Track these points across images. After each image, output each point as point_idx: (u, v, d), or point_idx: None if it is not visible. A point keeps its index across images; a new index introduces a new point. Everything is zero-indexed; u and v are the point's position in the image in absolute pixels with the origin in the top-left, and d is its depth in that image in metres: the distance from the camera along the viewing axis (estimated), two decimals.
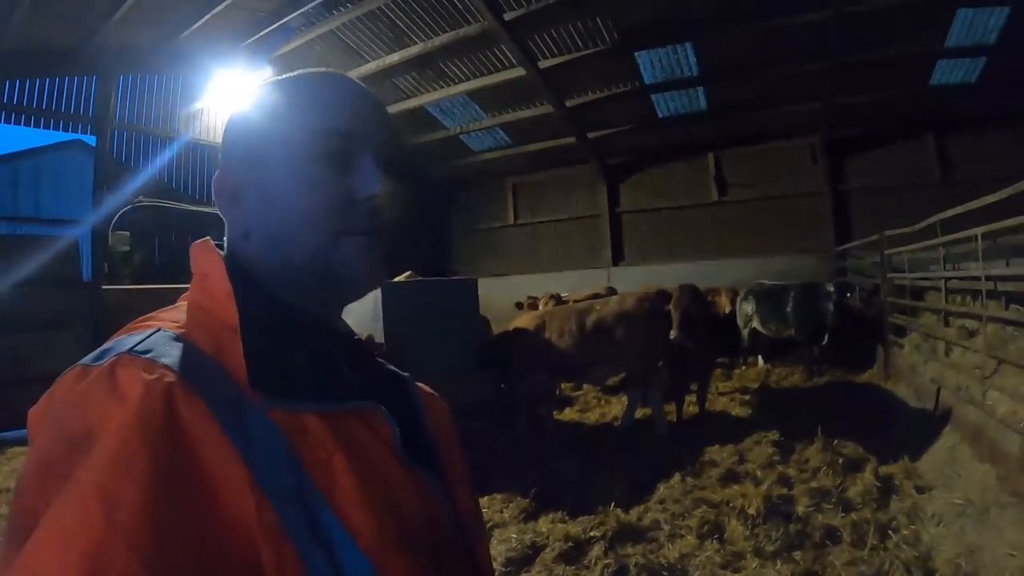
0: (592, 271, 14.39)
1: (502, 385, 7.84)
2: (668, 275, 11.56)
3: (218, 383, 0.62)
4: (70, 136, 12.25)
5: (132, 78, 11.75)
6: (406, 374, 0.92)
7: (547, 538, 4.48)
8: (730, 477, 5.36)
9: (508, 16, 10.12)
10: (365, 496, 0.64)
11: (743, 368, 10.39)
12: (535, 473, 5.77)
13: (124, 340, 0.65)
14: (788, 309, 9.47)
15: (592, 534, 4.47)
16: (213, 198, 0.80)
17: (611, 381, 8.58)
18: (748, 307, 10.16)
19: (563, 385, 9.18)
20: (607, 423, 7.70)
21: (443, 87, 12.88)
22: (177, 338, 0.65)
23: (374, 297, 7.25)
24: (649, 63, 11.43)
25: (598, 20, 10.43)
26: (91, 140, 11.62)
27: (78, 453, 0.53)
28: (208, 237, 0.78)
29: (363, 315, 7.39)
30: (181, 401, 0.57)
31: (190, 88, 12.47)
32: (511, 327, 8.00)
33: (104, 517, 0.49)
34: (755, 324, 10.07)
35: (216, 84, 12.11)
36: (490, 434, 7.14)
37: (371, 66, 12.08)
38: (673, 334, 6.64)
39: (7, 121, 10.26)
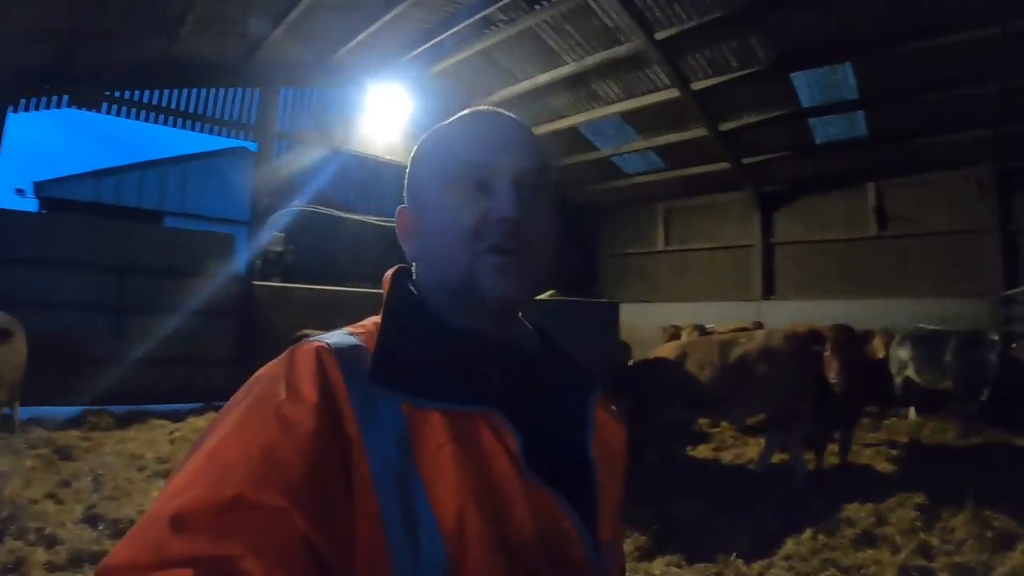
0: (740, 304, 14.69)
1: (637, 414, 7.84)
2: (820, 312, 11.78)
3: (361, 364, 0.83)
4: (237, 143, 14.52)
5: (293, 91, 14.01)
6: (592, 392, 1.02)
7: None
8: (866, 540, 5.22)
9: (660, 36, 11.04)
10: (463, 492, 0.77)
11: (893, 419, 10.14)
12: (657, 510, 5.83)
13: (315, 335, 0.91)
14: (947, 358, 9.29)
15: None
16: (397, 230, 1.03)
17: (750, 421, 8.63)
18: (903, 353, 10.01)
19: (700, 421, 9.11)
20: (741, 465, 7.80)
21: (596, 107, 13.85)
22: (350, 334, 0.90)
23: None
24: (806, 85, 11.78)
25: (752, 40, 10.98)
26: (254, 147, 13.93)
27: (261, 390, 0.80)
28: (398, 266, 1.04)
29: None
30: (328, 363, 0.82)
31: (347, 102, 14.57)
32: (652, 355, 8.22)
33: (278, 427, 0.73)
34: (910, 372, 9.91)
35: (372, 99, 14.13)
36: None
37: (523, 85, 13.44)
38: (832, 377, 6.68)
39: (177, 126, 12.70)
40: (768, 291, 14.95)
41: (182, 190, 18.34)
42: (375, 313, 0.97)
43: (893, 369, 10.18)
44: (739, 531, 5.34)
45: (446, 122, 1.00)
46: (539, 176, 0.97)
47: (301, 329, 6.77)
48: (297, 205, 13.92)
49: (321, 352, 0.83)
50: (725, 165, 14.26)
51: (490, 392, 0.88)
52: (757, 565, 4.77)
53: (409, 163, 1.03)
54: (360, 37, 12.00)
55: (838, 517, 5.61)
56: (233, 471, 0.68)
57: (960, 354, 9.19)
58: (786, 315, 12.50)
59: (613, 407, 1.10)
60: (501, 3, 10.94)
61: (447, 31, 11.85)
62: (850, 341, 6.94)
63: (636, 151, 15.18)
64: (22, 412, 8.22)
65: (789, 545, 5.09)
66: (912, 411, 10.17)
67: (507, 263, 0.91)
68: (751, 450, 8.18)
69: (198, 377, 10.73)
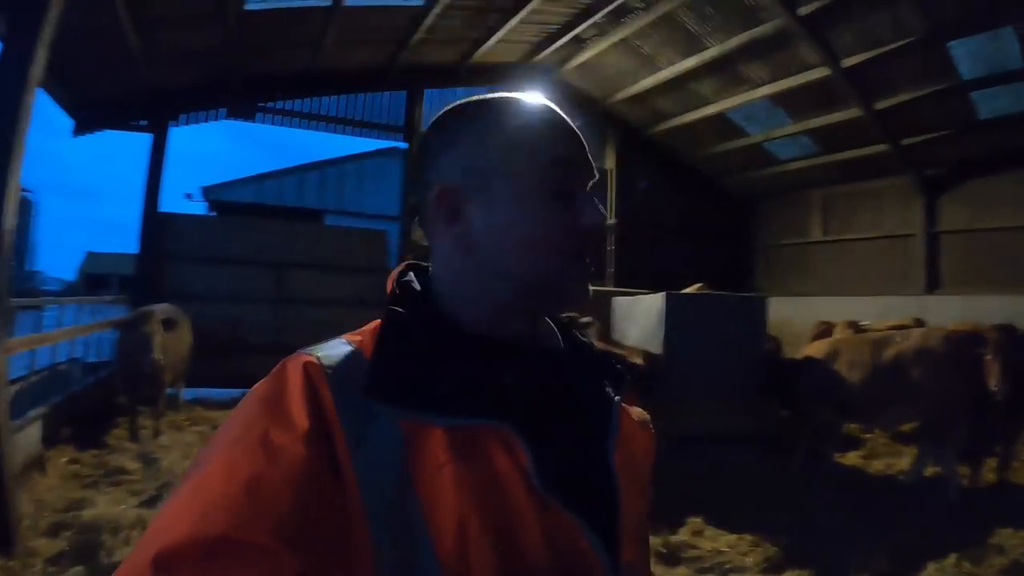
0: (902, 298, 13.77)
1: (783, 416, 7.89)
2: (989, 309, 10.97)
3: (356, 378, 0.78)
4: (389, 143, 15.52)
5: (437, 91, 14.56)
6: (617, 397, 0.96)
7: None
8: (1016, 571, 4.90)
9: (803, 11, 10.58)
10: (466, 518, 0.72)
11: None
12: (793, 519, 5.74)
13: (312, 347, 0.86)
14: None
15: None
16: (429, 210, 0.93)
17: (905, 428, 8.24)
18: None
19: (852, 426, 8.76)
20: (891, 475, 7.46)
21: (743, 91, 13.43)
22: (345, 343, 0.85)
23: (659, 308, 7.83)
24: (965, 55, 10.81)
25: (903, 8, 10.23)
26: (405, 146, 14.94)
27: (248, 413, 0.76)
28: (408, 260, 0.99)
29: (647, 326, 8.01)
30: (317, 379, 0.77)
31: None
32: (801, 354, 7.95)
33: (264, 457, 0.69)
34: None
35: (513, 92, 14.44)
36: (758, 467, 7.15)
37: (666, 73, 13.27)
38: (992, 384, 6.27)
39: (327, 131, 13.83)
40: (932, 285, 13.92)
41: (339, 190, 19.78)
42: None
43: None
44: (878, 549, 5.12)
45: (508, 99, 0.95)
46: (597, 178, 0.97)
47: None
48: None
49: (310, 368, 0.78)
50: (883, 147, 13.44)
51: (502, 403, 0.82)
52: None
53: (458, 134, 0.93)
54: (497, 36, 12.34)
55: (988, 543, 5.25)
56: (217, 508, 0.64)
57: None
58: (952, 312, 11.69)
59: (640, 410, 1.05)
60: None
61: (584, 22, 11.91)
62: (1014, 344, 6.49)
63: (788, 136, 14.57)
64: (186, 393, 9.62)
65: (930, 569, 4.82)
66: None
67: (588, 268, 0.91)
68: (904, 460, 7.79)
69: None
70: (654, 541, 5.02)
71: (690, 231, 17.17)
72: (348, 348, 0.84)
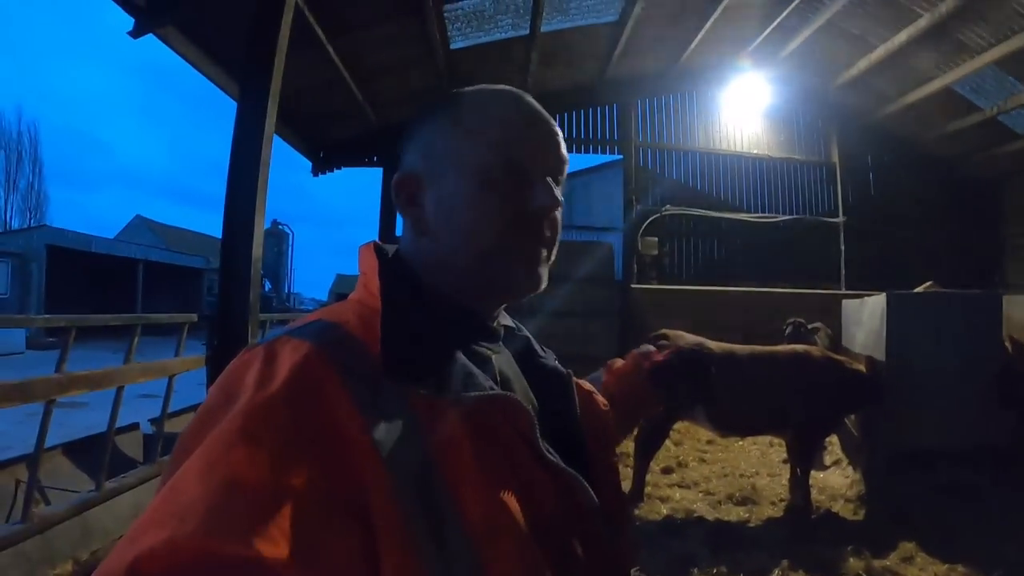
0: None
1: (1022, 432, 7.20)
2: None
3: (359, 361, 0.79)
4: (612, 157, 16.05)
5: (648, 101, 15.16)
6: (568, 371, 1.10)
7: None
8: None
9: None
10: (486, 483, 0.77)
11: None
12: (1016, 553, 5.21)
13: (288, 327, 0.87)
14: None
15: None
16: (392, 194, 1.00)
17: None
18: None
19: None
20: None
21: (967, 60, 12.47)
22: (332, 324, 0.85)
23: (881, 310, 7.42)
24: None
25: None
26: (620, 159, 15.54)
27: (228, 404, 0.72)
28: (374, 240, 1.02)
29: (871, 329, 7.67)
30: (319, 370, 0.75)
31: (704, 101, 15.41)
32: None
33: (245, 452, 0.65)
34: None
35: (728, 94, 14.84)
36: (989, 489, 6.52)
37: (880, 51, 12.71)
38: None
39: None
40: None
41: (568, 205, 20.55)
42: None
43: None
44: None
45: (465, 92, 1.01)
46: (565, 172, 1.02)
47: (672, 328, 7.31)
48: (668, 209, 14.85)
49: (304, 351, 0.78)
50: None
51: (492, 376, 0.90)
52: None
53: (416, 128, 1.02)
54: (697, 38, 12.58)
55: None
56: (193, 512, 0.61)
57: None
58: None
59: (586, 381, 1.21)
60: None
61: (783, 11, 11.78)
62: None
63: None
64: None
65: None
66: None
67: (540, 255, 0.96)
68: None
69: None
70: (856, 564, 5.04)
71: (927, 223, 16.17)
72: (336, 329, 0.84)
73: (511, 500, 0.79)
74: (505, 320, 1.10)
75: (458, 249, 0.93)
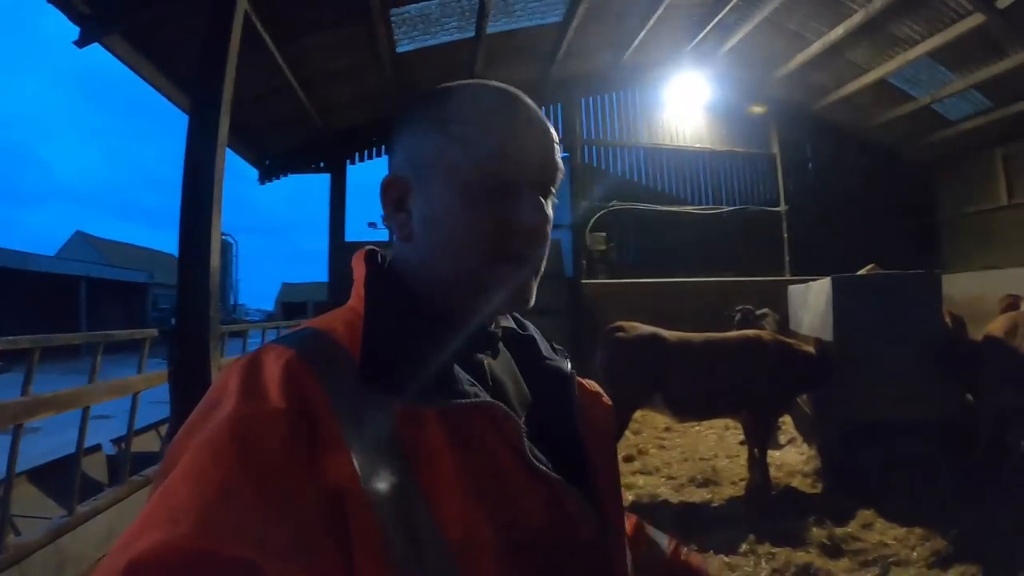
0: None
1: (965, 401, 7.62)
2: None
3: (340, 367, 0.80)
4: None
5: (592, 99, 15.44)
6: (572, 371, 1.06)
7: None
8: None
9: None
10: (467, 494, 0.76)
11: None
12: (968, 513, 5.59)
13: (276, 338, 0.88)
14: None
15: None
16: (380, 197, 0.97)
17: None
18: None
19: None
20: None
21: (900, 52, 13.05)
22: (320, 332, 0.85)
23: (826, 293, 7.71)
24: None
25: None
26: (566, 156, 15.69)
27: (215, 411, 0.73)
28: (369, 247, 1.01)
29: (818, 313, 8.01)
30: (303, 379, 0.76)
31: (647, 97, 15.75)
32: (983, 332, 7.52)
33: (235, 459, 0.67)
34: None
35: (670, 89, 15.19)
36: (937, 457, 6.87)
37: (817, 46, 13.21)
38: None
39: None
40: None
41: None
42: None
43: None
44: None
45: (459, 87, 0.97)
46: (558, 182, 0.98)
47: (626, 321, 7.48)
48: (615, 204, 15.10)
49: (286, 357, 0.79)
50: None
51: (482, 382, 0.89)
52: None
53: (404, 128, 0.98)
54: (639, 37, 12.93)
55: None
56: (187, 516, 0.63)
57: None
58: None
59: (592, 381, 1.15)
60: None
61: (723, 9, 12.14)
62: None
63: (956, 93, 13.98)
64: None
65: None
66: None
67: (523, 271, 0.92)
68: None
69: None
70: (819, 534, 5.32)
71: (867, 208, 16.86)
72: (324, 337, 0.85)
73: (493, 511, 0.78)
74: (506, 321, 1.07)
75: (441, 261, 0.91)
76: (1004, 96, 13.64)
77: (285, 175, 14.11)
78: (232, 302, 38.80)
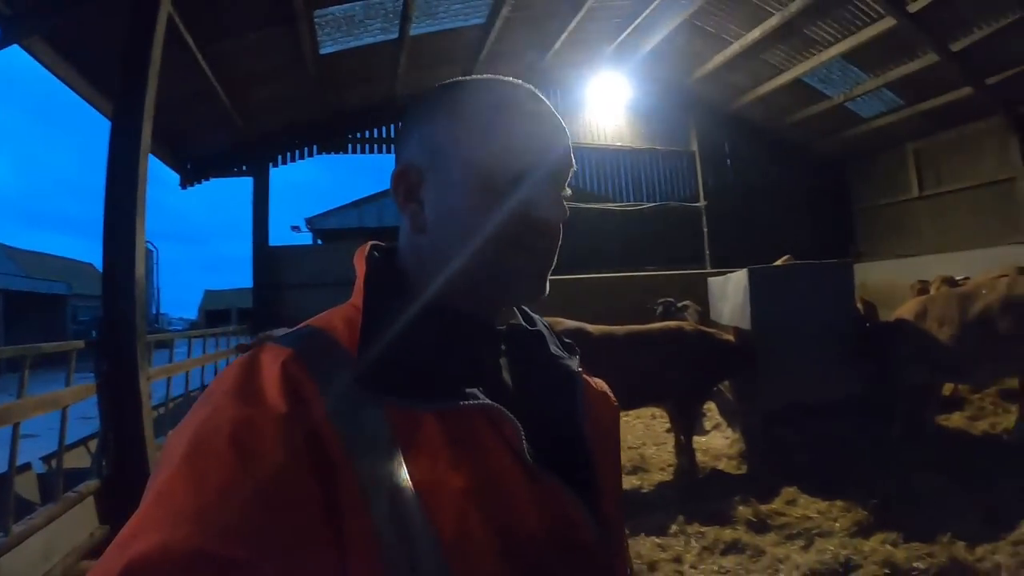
0: (1010, 248, 13.11)
1: (880, 381, 7.90)
2: None
3: (338, 367, 0.79)
4: None
5: None
6: (579, 370, 1.04)
7: (865, 559, 4.61)
8: None
9: None
10: (464, 496, 0.75)
11: None
12: (888, 484, 5.83)
13: (275, 332, 0.88)
14: None
15: (916, 565, 4.46)
16: (391, 187, 0.95)
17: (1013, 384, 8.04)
18: None
19: (960, 387, 8.84)
20: (996, 436, 7.39)
21: (814, 54, 13.67)
22: (318, 331, 0.85)
23: (744, 284, 7.99)
24: None
25: None
26: None
27: (212, 409, 0.73)
28: (369, 242, 1.01)
29: (736, 303, 8.28)
30: (295, 375, 0.76)
31: (569, 97, 15.94)
32: (893, 316, 7.95)
33: (234, 460, 0.67)
34: None
35: (592, 89, 15.51)
36: (856, 434, 7.26)
37: (735, 47, 13.75)
38: None
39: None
40: None
41: None
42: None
43: None
44: (971, 510, 5.16)
45: (474, 82, 0.97)
46: (569, 179, 0.98)
47: (551, 317, 7.64)
48: None
49: (283, 357, 0.78)
50: (968, 90, 13.32)
51: (483, 381, 0.87)
52: (982, 549, 4.60)
53: (418, 117, 0.96)
54: (562, 38, 13.21)
55: None
56: (185, 517, 0.64)
57: None
58: None
59: (600, 380, 1.13)
60: None
61: (644, 11, 12.53)
62: None
63: (868, 92, 14.69)
64: None
65: (1023, 529, 4.81)
66: None
67: (540, 264, 0.93)
68: (1011, 418, 7.61)
69: None
70: (745, 511, 5.53)
71: (785, 202, 17.64)
72: (323, 337, 0.84)
73: (490, 514, 0.77)
74: (513, 318, 1.05)
75: (456, 252, 0.90)
76: (914, 94, 14.34)
77: (207, 179, 13.95)
78: (154, 311, 37.76)
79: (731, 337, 7.95)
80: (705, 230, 16.70)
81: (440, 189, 0.91)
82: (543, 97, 0.96)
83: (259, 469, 0.67)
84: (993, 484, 5.66)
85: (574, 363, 1.06)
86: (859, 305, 8.87)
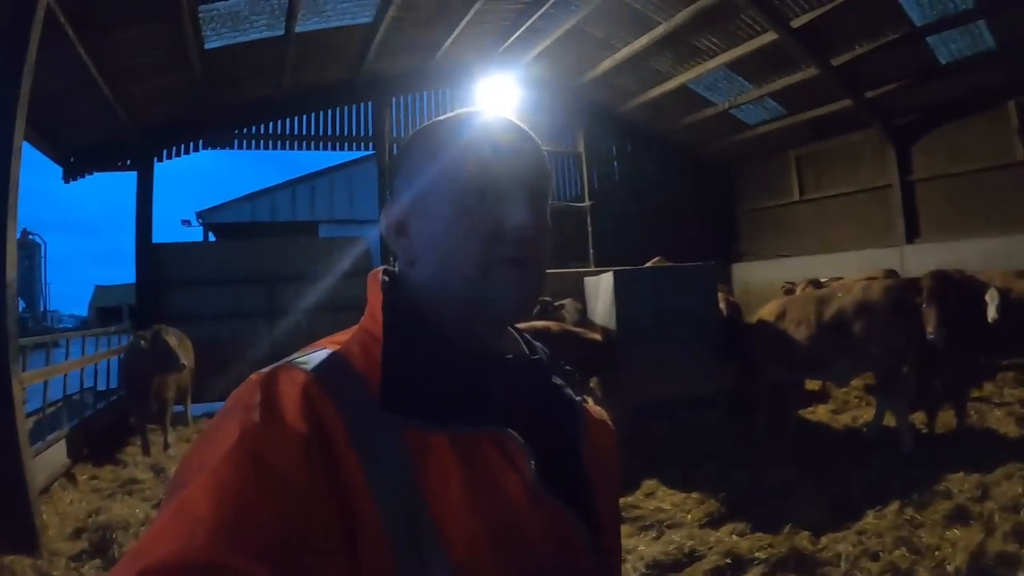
0: (884, 251, 14.15)
1: (743, 378, 8.32)
2: (968, 253, 11.61)
3: (356, 391, 0.83)
4: (368, 152, 16.46)
5: (404, 98, 15.75)
6: (578, 398, 1.07)
7: (710, 550, 4.76)
8: (959, 516, 5.03)
9: None
10: (476, 520, 0.79)
11: None
12: (744, 476, 6.18)
13: (294, 356, 0.90)
14: None
15: (757, 555, 4.64)
16: (382, 229, 1.03)
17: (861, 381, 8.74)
18: None
19: (821, 382, 9.35)
20: (857, 428, 7.80)
21: (700, 63, 14.11)
22: (334, 354, 0.88)
23: (610, 285, 8.35)
24: (914, 1, 11.05)
25: None
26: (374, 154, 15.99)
27: (232, 426, 0.76)
28: (381, 267, 1.03)
29: (606, 303, 8.56)
30: (318, 400, 0.79)
31: (459, 97, 16.08)
32: (756, 317, 8.42)
33: (253, 472, 0.70)
34: None
35: (482, 90, 15.57)
36: (720, 429, 7.65)
37: (623, 53, 14.08)
38: (928, 331, 6.47)
39: (302, 148, 14.99)
40: (912, 234, 14.24)
41: (330, 200, 20.78)
42: None
43: None
44: (821, 501, 5.46)
45: (447, 118, 1.04)
46: (547, 187, 1.02)
47: None
48: None
49: (304, 380, 0.82)
50: (847, 103, 13.90)
51: (494, 409, 0.90)
52: (826, 538, 4.85)
53: (401, 157, 1.05)
54: (450, 39, 13.38)
55: (935, 489, 5.47)
56: (204, 529, 0.65)
57: None
58: (934, 259, 11.92)
59: (599, 408, 1.15)
60: None
61: (535, 14, 12.71)
62: (949, 289, 6.67)
63: (752, 100, 15.23)
64: (194, 409, 11.02)
65: (869, 517, 5.13)
66: None
67: (522, 274, 0.94)
68: (871, 412, 7.91)
69: None
70: None
71: (672, 204, 18.17)
72: (339, 360, 0.87)
73: (497, 536, 0.81)
74: (515, 345, 1.08)
75: (442, 276, 0.95)
76: (797, 104, 14.94)
77: (91, 173, 13.62)
78: (42, 308, 36.43)
79: (598, 336, 8.27)
80: (590, 230, 17.10)
81: (422, 222, 0.97)
82: (506, 117, 1.04)
83: (279, 488, 0.71)
84: (840, 476, 6.07)
85: (574, 391, 1.09)
86: (723, 306, 9.27)
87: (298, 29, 11.35)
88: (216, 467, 0.71)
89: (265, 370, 0.85)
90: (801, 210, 16.95)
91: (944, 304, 6.54)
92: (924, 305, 6.66)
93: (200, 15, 10.33)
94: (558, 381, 1.07)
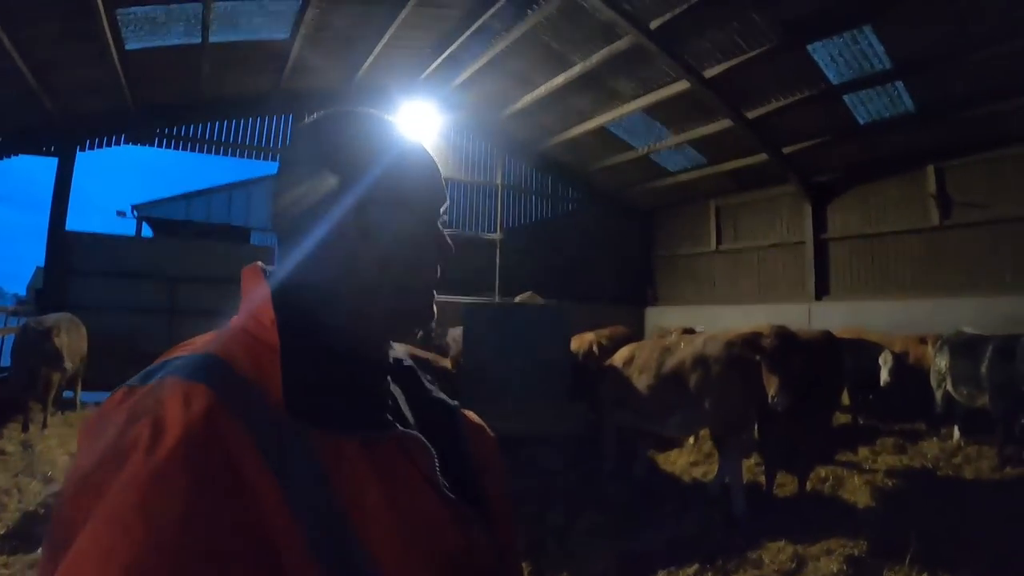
0: (793, 306, 14.49)
1: (593, 420, 8.36)
2: (875, 314, 12.09)
3: (258, 406, 0.77)
4: None
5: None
6: (455, 403, 1.10)
7: None
8: None
9: (654, 24, 11.18)
10: (394, 523, 0.79)
11: (931, 440, 9.17)
12: (560, 517, 6.25)
13: (169, 363, 0.82)
14: (983, 369, 8.25)
15: None
16: (273, 224, 0.98)
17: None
18: (942, 362, 9.12)
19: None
20: (705, 483, 7.60)
21: (618, 105, 14.37)
22: (221, 362, 0.80)
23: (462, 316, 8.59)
24: (829, 58, 11.13)
25: (754, 15, 10.56)
26: None
27: (117, 468, 0.66)
28: (257, 263, 0.99)
29: (456, 333, 8.80)
30: (220, 421, 0.72)
31: None
32: (607, 361, 8.39)
33: (144, 532, 0.62)
34: (948, 386, 8.99)
35: (404, 115, 15.71)
36: (565, 467, 7.91)
37: (541, 90, 14.41)
38: (770, 395, 6.17)
39: (222, 154, 15.36)
40: (821, 292, 14.61)
41: (264, 207, 21.38)
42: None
43: (933, 382, 9.40)
44: (612, 554, 5.42)
45: (333, 119, 1.02)
46: (441, 204, 1.05)
47: None
48: None
49: (196, 395, 0.75)
50: (764, 157, 14.17)
51: (395, 414, 0.93)
52: None
53: (303, 150, 1.00)
54: (368, 62, 13.74)
55: (747, 556, 5.36)
56: (120, 570, 0.61)
57: (995, 364, 8.13)
58: (840, 318, 12.51)
59: (473, 413, 1.17)
60: (493, 10, 11.86)
61: (452, 44, 13.08)
62: (790, 349, 6.39)
63: (671, 147, 15.55)
64: (86, 396, 11.36)
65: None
66: (956, 432, 9.15)
67: (424, 289, 1.00)
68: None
69: None
70: None
71: (589, 243, 18.63)
72: (226, 367, 0.81)
73: (415, 537, 0.82)
74: (394, 352, 1.07)
75: (346, 286, 0.94)
76: (716, 154, 15.32)
77: (13, 155, 13.96)
78: None
79: (448, 364, 8.52)
80: (498, 262, 17.40)
81: (355, 238, 0.95)
82: (392, 121, 1.07)
83: (175, 538, 0.65)
84: (656, 530, 6.05)
85: (447, 397, 1.13)
86: (594, 348, 9.55)
87: (212, 39, 11.66)
88: (100, 527, 0.64)
89: (146, 386, 0.78)
90: (717, 260, 17.36)
91: (787, 365, 6.22)
92: (766, 366, 6.33)
93: (118, 17, 10.54)
94: (431, 387, 1.11)
